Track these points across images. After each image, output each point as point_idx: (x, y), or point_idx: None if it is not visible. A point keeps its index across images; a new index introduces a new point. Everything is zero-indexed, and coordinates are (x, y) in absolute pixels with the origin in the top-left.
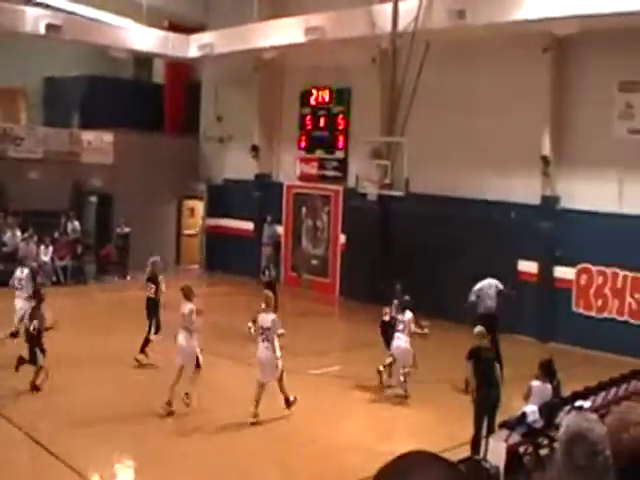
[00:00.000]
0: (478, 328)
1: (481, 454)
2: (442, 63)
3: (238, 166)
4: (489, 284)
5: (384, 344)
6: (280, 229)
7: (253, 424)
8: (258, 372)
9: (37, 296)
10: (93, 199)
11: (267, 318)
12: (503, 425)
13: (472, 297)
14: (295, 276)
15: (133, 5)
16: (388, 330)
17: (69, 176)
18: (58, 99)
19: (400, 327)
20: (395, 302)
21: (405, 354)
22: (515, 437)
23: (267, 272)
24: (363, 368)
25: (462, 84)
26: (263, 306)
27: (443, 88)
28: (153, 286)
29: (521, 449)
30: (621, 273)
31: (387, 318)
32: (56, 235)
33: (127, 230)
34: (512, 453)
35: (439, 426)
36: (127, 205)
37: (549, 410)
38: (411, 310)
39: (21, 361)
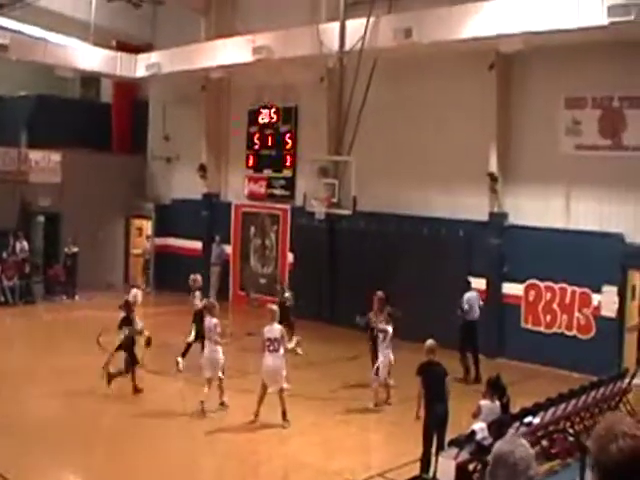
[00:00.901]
0: (428, 342)
1: (430, 472)
2: (389, 80)
3: (186, 185)
4: (475, 296)
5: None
6: (228, 248)
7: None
8: (267, 381)
9: None
10: (41, 218)
11: (275, 329)
12: (452, 443)
13: (465, 306)
14: (243, 295)
15: (80, 24)
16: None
17: (17, 195)
18: (6, 118)
19: (381, 337)
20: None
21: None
22: (464, 455)
23: (283, 294)
24: (313, 386)
25: (409, 101)
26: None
27: (390, 105)
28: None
29: (470, 467)
30: (569, 288)
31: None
32: (4, 255)
33: (75, 249)
34: (461, 471)
35: (389, 443)
36: (75, 224)
37: (498, 427)
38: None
39: None
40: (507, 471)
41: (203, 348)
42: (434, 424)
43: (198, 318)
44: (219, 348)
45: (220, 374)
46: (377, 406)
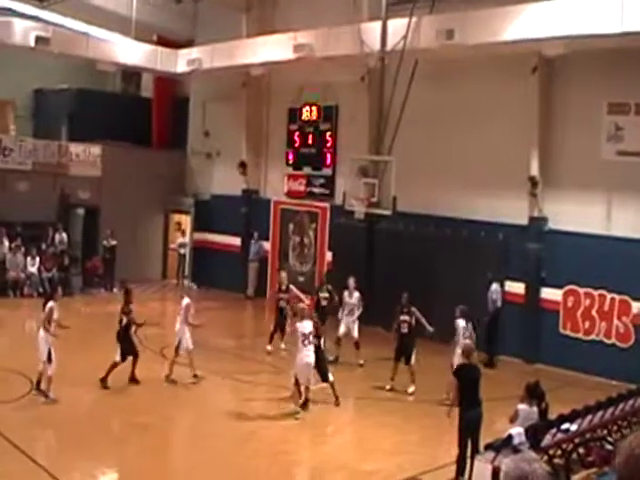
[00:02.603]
0: (466, 344)
1: (465, 475)
2: (430, 81)
3: (225, 181)
4: (497, 288)
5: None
6: (267, 245)
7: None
8: (301, 376)
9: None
10: (80, 211)
11: (307, 324)
12: (489, 447)
13: (494, 295)
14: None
15: (121, 19)
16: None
17: (57, 188)
18: (47, 111)
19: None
20: (413, 309)
21: None
22: (500, 459)
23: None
24: (348, 387)
25: (450, 103)
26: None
27: (431, 106)
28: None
29: None
30: (609, 295)
31: (406, 330)
32: (43, 247)
33: (114, 242)
34: (498, 475)
35: (423, 445)
36: (114, 217)
37: (535, 432)
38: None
39: None
40: None
41: None
42: (469, 427)
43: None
44: (308, 352)
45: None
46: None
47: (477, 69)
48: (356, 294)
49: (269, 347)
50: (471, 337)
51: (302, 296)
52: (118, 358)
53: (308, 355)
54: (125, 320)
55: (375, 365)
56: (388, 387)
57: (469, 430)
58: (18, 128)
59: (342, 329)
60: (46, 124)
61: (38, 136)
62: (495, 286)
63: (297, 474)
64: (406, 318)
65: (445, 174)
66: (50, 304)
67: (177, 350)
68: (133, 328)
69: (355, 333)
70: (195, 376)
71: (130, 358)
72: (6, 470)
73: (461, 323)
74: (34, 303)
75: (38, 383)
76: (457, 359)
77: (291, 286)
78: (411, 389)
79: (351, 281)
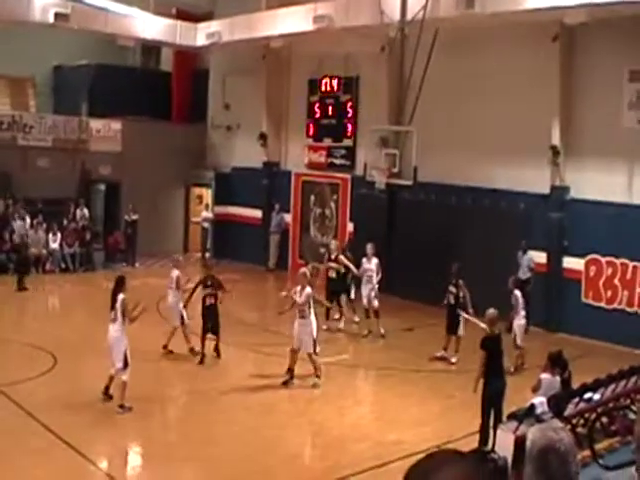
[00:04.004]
0: (490, 312)
1: (489, 445)
2: (451, 51)
3: (246, 154)
4: (531, 257)
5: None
6: (288, 217)
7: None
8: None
9: None
10: (101, 187)
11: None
12: (511, 416)
13: (531, 264)
14: (302, 264)
15: None
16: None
17: (77, 164)
18: (67, 87)
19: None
20: (461, 282)
21: None
22: (523, 428)
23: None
24: (370, 357)
25: (471, 72)
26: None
27: (452, 76)
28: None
29: None
30: (631, 264)
31: (453, 301)
32: (65, 223)
33: (135, 217)
34: (520, 444)
35: (446, 416)
36: (135, 192)
37: (557, 402)
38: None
39: None
40: (558, 460)
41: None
42: (492, 397)
43: None
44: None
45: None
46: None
47: (498, 38)
48: (375, 260)
49: (324, 326)
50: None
51: (351, 266)
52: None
53: (298, 325)
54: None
55: (396, 335)
56: (439, 354)
57: (492, 400)
58: (38, 105)
59: (364, 300)
60: (66, 100)
61: (58, 112)
62: (529, 255)
63: (320, 444)
64: (452, 290)
65: (466, 143)
66: (121, 296)
67: (182, 322)
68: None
69: (375, 302)
70: (192, 350)
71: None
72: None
73: (518, 293)
74: (56, 279)
75: (107, 388)
76: (518, 331)
77: (340, 256)
78: (454, 359)
79: (369, 247)
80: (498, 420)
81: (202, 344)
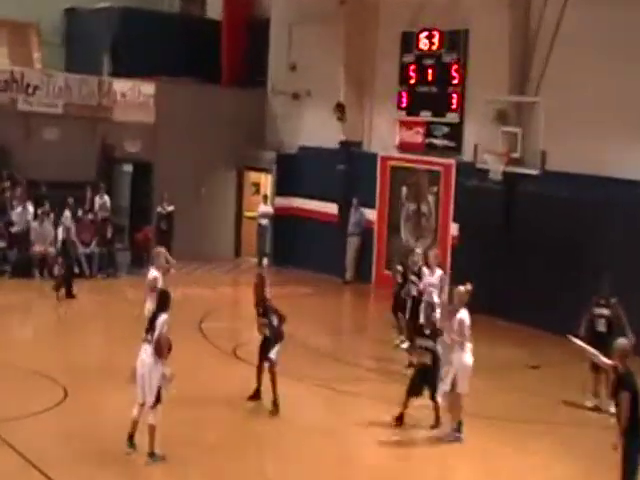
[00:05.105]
0: (621, 342)
1: None
2: None
3: (318, 130)
4: None
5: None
6: (371, 214)
7: None
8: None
9: None
10: (128, 168)
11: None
12: None
13: None
14: (390, 275)
15: None
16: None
17: (97, 137)
18: (83, 37)
19: None
20: (614, 301)
21: None
22: None
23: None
24: (482, 400)
25: (621, 26)
26: None
27: (594, 31)
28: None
29: None
30: None
31: (603, 328)
32: (79, 213)
33: (171, 208)
34: None
35: None
36: (171, 176)
37: None
38: None
39: None
40: None
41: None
42: None
43: None
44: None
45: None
46: None
47: None
48: (438, 272)
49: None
50: None
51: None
52: None
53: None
54: None
55: (515, 374)
56: (590, 404)
57: None
58: (45, 59)
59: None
60: (82, 54)
61: (71, 69)
62: None
63: None
64: (603, 312)
65: (614, 121)
66: (163, 317)
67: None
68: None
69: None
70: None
71: None
72: None
73: None
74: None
75: (131, 437)
76: None
77: (424, 268)
78: (590, 403)
79: (432, 255)
80: None
81: (258, 378)
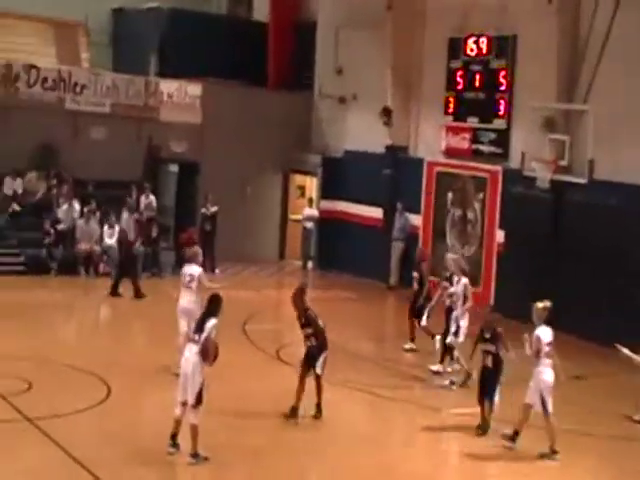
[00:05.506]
0: None
1: None
2: None
3: (364, 134)
4: None
5: None
6: (416, 219)
7: None
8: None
9: None
10: (173, 168)
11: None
12: None
13: None
14: (436, 282)
15: None
16: None
17: (143, 137)
18: (130, 37)
19: None
20: None
21: None
22: None
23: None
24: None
25: None
26: None
27: None
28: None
29: None
30: None
31: None
32: (124, 213)
33: (214, 209)
34: None
35: None
36: (216, 177)
37: None
38: None
39: None
40: None
41: None
42: None
43: None
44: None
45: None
46: None
47: None
48: (464, 280)
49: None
50: None
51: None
52: None
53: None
54: None
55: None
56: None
57: None
58: (92, 58)
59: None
60: (129, 54)
61: (119, 69)
62: None
63: None
64: None
65: None
66: (212, 322)
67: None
68: None
69: (454, 338)
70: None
71: None
72: None
73: None
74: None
75: (174, 436)
76: None
77: (464, 279)
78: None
79: (461, 262)
80: None
81: (298, 393)
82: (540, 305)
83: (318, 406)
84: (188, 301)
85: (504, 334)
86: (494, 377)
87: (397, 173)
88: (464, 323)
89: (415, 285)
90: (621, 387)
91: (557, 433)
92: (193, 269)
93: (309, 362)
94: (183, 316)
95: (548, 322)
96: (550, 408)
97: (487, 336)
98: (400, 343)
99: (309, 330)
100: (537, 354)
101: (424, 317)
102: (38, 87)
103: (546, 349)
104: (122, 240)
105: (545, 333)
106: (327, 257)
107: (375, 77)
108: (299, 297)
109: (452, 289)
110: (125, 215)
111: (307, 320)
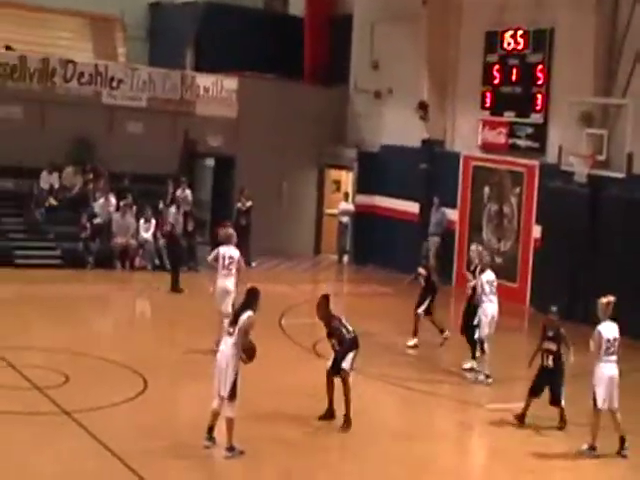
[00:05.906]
0: None
1: None
2: None
3: (400, 129)
4: None
5: None
6: (453, 214)
7: None
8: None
9: None
10: (209, 162)
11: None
12: None
13: None
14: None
15: None
16: None
17: (179, 131)
18: (167, 31)
19: None
20: None
21: None
22: None
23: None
24: (575, 408)
25: None
26: None
27: None
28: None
29: None
30: None
31: None
32: (161, 206)
33: (249, 204)
34: None
35: None
36: (252, 172)
37: None
38: None
39: None
40: None
41: None
42: None
43: None
44: None
45: None
46: None
47: None
48: (485, 274)
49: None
50: None
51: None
52: None
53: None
54: None
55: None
56: None
57: None
58: (129, 53)
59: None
60: (166, 48)
61: (155, 63)
62: None
63: None
64: None
65: None
66: (248, 313)
67: None
68: None
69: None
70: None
71: None
72: None
73: None
74: (147, 278)
75: (211, 429)
76: None
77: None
78: None
79: (483, 254)
80: None
81: (329, 396)
82: (604, 300)
83: (346, 417)
84: (228, 282)
85: (567, 335)
86: (557, 379)
87: (433, 167)
88: (485, 318)
89: (422, 282)
90: None
91: (622, 430)
92: (232, 251)
93: (334, 368)
94: (225, 295)
95: (613, 318)
96: (616, 404)
97: (550, 334)
98: (434, 337)
99: (333, 340)
100: (598, 349)
101: (422, 306)
102: (75, 82)
103: (606, 345)
104: (171, 234)
105: (608, 329)
106: (363, 252)
107: (411, 71)
108: (323, 306)
109: (472, 282)
110: (173, 209)
111: (330, 331)
